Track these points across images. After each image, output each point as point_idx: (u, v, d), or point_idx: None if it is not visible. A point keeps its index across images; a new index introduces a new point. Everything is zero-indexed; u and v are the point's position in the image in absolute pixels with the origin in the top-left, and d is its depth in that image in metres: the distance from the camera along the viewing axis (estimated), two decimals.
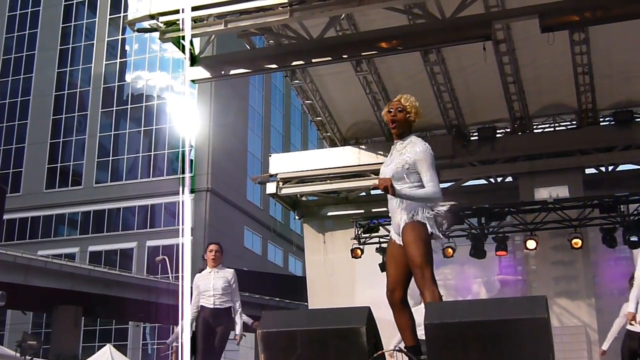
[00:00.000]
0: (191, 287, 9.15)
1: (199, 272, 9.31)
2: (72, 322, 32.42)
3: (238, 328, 9.13)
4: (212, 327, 8.94)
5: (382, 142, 16.27)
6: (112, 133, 48.75)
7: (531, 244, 14.30)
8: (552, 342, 4.94)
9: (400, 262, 5.21)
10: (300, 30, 12.25)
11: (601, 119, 15.81)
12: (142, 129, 48.19)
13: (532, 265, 15.55)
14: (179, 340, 9.75)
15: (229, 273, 9.16)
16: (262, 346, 5.32)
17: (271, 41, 13.41)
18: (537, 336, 4.81)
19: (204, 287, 9.05)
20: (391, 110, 5.33)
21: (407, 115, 5.31)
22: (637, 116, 15.47)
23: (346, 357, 5.11)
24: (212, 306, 8.97)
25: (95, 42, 50.67)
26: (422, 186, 5.22)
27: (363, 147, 16.31)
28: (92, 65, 50.18)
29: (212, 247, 9.28)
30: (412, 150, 5.23)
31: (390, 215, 5.40)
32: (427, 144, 5.30)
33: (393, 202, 5.33)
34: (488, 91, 15.16)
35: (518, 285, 15.55)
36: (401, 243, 5.20)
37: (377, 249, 15.11)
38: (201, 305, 9.04)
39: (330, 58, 12.42)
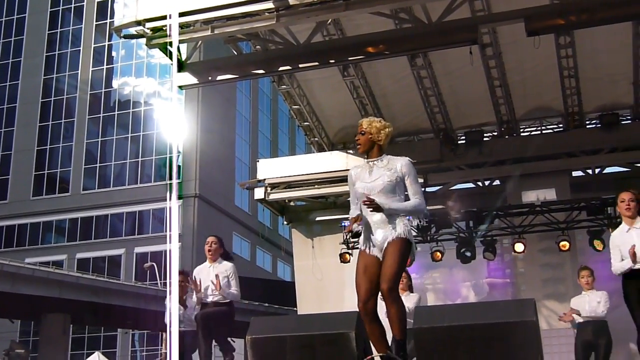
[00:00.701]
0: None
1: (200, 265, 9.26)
2: (60, 330, 32.25)
3: (231, 295, 9.01)
4: (212, 321, 8.87)
5: None
6: (100, 140, 48.61)
7: (519, 246, 14.32)
8: (541, 345, 4.96)
9: (374, 274, 5.44)
10: (287, 35, 12.25)
11: (587, 122, 15.86)
12: (130, 135, 48.08)
13: (520, 268, 15.57)
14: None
15: (225, 268, 9.08)
16: (252, 352, 5.31)
17: (258, 47, 13.40)
18: (527, 339, 4.82)
19: (204, 283, 8.98)
20: (357, 134, 5.77)
21: (370, 136, 5.71)
22: (623, 119, 15.55)
23: None
24: (210, 300, 8.94)
25: (81, 48, 50.54)
26: (408, 198, 5.62)
27: (351, 151, 16.30)
28: (79, 71, 50.04)
29: (209, 239, 9.22)
30: (399, 164, 5.62)
31: (366, 226, 5.62)
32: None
33: (376, 216, 5.56)
34: (475, 95, 15.20)
35: (506, 288, 15.57)
36: (379, 255, 5.48)
37: None
38: (202, 303, 9.02)
39: (317, 63, 12.42)
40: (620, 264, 7.03)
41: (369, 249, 5.54)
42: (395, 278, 5.36)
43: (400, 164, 5.59)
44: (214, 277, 8.92)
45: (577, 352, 10.19)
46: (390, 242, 5.43)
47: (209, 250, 9.13)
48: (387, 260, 5.38)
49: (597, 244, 13.67)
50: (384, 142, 5.71)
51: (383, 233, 5.49)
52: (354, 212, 5.71)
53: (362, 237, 5.64)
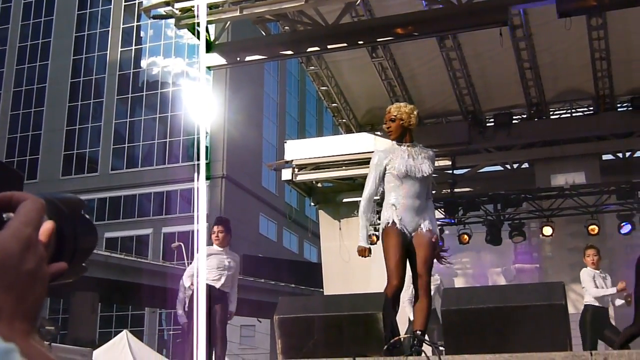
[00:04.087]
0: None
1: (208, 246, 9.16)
2: (89, 308, 32.63)
3: (233, 306, 9.06)
4: (212, 306, 8.79)
5: None
6: (128, 120, 48.90)
7: (547, 230, 14.25)
8: (569, 328, 4.94)
9: (404, 252, 5.67)
10: (315, 16, 12.21)
11: (619, 105, 15.70)
12: (158, 115, 48.32)
13: (548, 251, 15.49)
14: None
15: (237, 259, 9.16)
16: (279, 332, 5.34)
17: (286, 27, 13.38)
18: (555, 322, 4.80)
19: (216, 264, 8.87)
20: (386, 121, 6.01)
21: (401, 122, 5.90)
22: None
23: (363, 342, 5.13)
24: (217, 286, 8.84)
25: (110, 29, 50.77)
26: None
27: (379, 133, 16.24)
28: (108, 52, 50.31)
29: (214, 228, 9.06)
30: (431, 157, 5.96)
31: (401, 209, 5.79)
32: None
33: (414, 202, 5.79)
34: (504, 77, 15.08)
35: (534, 271, 15.51)
36: (409, 233, 5.68)
37: None
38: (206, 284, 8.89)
39: (345, 44, 12.37)
40: None
41: (400, 225, 5.68)
42: (430, 271, 5.61)
43: (433, 156, 5.96)
44: (227, 262, 8.91)
45: (584, 335, 9.55)
46: (424, 232, 5.62)
47: (216, 239, 9.01)
48: (424, 254, 5.58)
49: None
50: (415, 126, 5.93)
51: (416, 221, 5.68)
52: (372, 188, 6.08)
53: (393, 212, 5.73)
